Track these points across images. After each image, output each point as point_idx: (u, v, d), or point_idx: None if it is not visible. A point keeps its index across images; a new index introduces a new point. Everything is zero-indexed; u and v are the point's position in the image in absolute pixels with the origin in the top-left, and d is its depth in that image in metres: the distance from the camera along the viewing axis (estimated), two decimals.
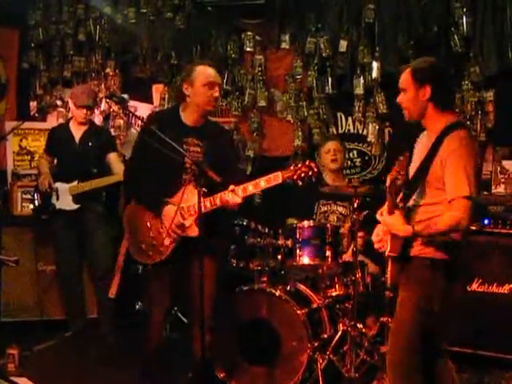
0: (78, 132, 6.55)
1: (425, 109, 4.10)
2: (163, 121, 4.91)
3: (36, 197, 6.60)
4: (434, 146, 4.01)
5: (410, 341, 4.06)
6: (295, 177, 4.59)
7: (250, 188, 4.68)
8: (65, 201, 6.44)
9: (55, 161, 6.70)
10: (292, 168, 4.64)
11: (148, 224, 4.90)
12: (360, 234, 5.66)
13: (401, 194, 4.20)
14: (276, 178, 4.61)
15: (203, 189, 4.46)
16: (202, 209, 4.44)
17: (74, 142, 6.55)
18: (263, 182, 4.64)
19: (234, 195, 4.63)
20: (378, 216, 4.20)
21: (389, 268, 4.15)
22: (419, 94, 4.07)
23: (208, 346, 4.74)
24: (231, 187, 4.64)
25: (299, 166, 4.62)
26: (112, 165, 6.54)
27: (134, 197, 5.11)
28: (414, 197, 4.13)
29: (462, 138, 3.95)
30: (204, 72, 4.92)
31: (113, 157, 6.61)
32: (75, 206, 6.43)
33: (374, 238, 4.34)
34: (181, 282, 4.98)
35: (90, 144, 6.53)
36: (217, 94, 4.91)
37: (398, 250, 4.08)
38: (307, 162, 4.63)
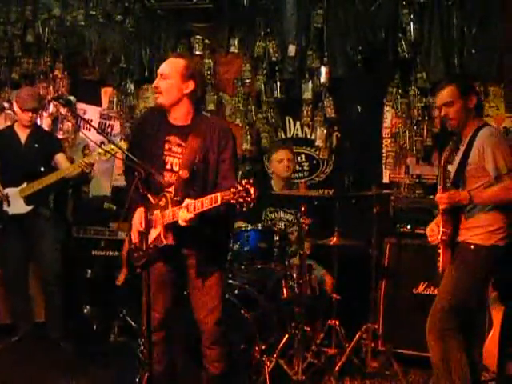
0: (23, 134, 6.48)
1: (468, 117, 4.62)
2: (149, 121, 4.65)
3: None
4: (470, 142, 4.58)
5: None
6: (233, 201, 3.86)
7: (206, 203, 4.09)
8: (17, 205, 6.34)
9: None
10: (232, 190, 3.87)
11: None
12: (307, 238, 5.70)
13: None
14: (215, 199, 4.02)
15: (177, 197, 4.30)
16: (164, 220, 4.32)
17: (20, 143, 6.47)
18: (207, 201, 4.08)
19: (184, 211, 4.19)
20: (436, 198, 4.67)
21: (441, 254, 4.63)
22: (468, 103, 4.59)
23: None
24: (186, 202, 4.21)
25: (239, 188, 3.84)
26: (60, 165, 6.47)
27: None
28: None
29: (492, 130, 4.63)
30: None
31: (60, 157, 6.54)
32: (28, 208, 6.34)
33: (428, 232, 4.82)
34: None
35: (36, 145, 6.46)
36: (155, 83, 4.48)
37: (449, 234, 4.58)
38: (246, 186, 3.82)
